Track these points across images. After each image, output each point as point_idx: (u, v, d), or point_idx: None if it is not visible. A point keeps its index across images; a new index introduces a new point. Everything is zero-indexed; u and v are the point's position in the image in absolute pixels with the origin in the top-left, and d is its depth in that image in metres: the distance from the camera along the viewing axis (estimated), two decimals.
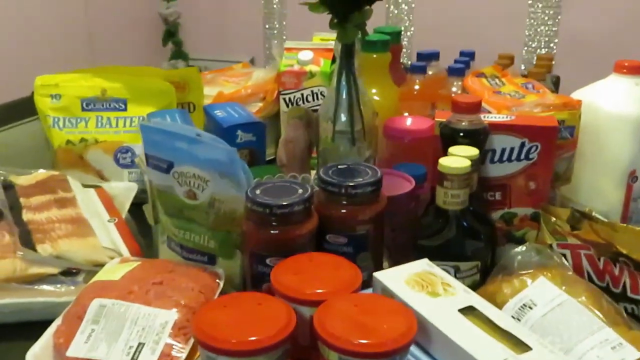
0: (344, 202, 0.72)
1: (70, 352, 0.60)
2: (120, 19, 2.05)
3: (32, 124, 1.37)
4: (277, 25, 2.24)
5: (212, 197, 0.74)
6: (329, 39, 1.34)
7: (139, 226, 0.94)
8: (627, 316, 0.67)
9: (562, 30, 1.90)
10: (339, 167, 0.76)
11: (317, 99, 1.19)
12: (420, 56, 1.21)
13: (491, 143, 0.79)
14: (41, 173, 0.97)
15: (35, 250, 0.77)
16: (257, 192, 0.70)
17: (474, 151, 0.73)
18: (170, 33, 2.41)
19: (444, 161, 0.70)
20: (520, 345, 0.56)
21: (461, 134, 0.76)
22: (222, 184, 0.73)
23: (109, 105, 1.08)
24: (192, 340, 0.62)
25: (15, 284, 0.75)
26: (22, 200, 0.88)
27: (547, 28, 1.89)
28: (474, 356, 0.55)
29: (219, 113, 1.03)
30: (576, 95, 0.95)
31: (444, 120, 0.79)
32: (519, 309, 0.66)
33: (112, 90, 1.08)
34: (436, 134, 0.81)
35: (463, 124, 0.77)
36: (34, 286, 0.75)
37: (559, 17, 1.89)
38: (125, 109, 1.09)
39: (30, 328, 0.71)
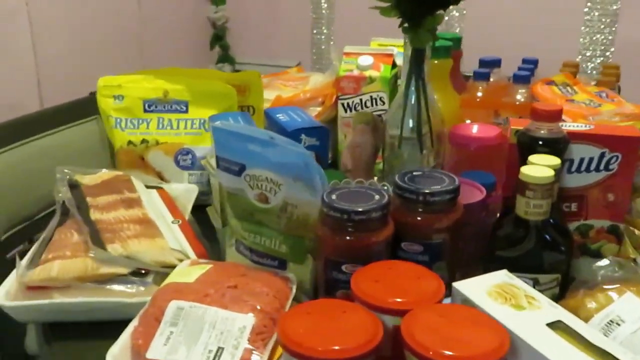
0: (421, 210, 0.70)
1: (150, 354, 0.59)
2: (170, 24, 2.07)
3: (85, 125, 1.38)
4: (324, 31, 2.23)
5: (284, 201, 0.73)
6: (387, 44, 1.33)
7: (201, 228, 0.94)
8: None
9: (618, 39, 1.86)
10: (414, 173, 0.74)
11: (376, 104, 1.17)
12: (483, 63, 1.19)
13: (569, 152, 0.77)
14: (106, 173, 0.97)
15: (105, 249, 0.77)
16: (333, 197, 0.69)
17: (555, 160, 0.71)
18: (218, 37, 2.42)
19: (526, 170, 0.68)
20: None
21: (540, 143, 0.74)
22: (296, 188, 0.72)
23: (171, 107, 1.08)
24: (270, 346, 0.61)
25: (86, 284, 0.75)
26: (88, 199, 0.88)
27: (603, 37, 1.85)
28: None
29: (281, 117, 1.02)
30: None
31: (522, 128, 0.77)
32: (606, 325, 0.64)
33: (173, 92, 1.08)
34: (512, 141, 0.79)
35: (542, 132, 0.75)
36: (105, 286, 0.75)
37: (616, 26, 1.85)
38: (186, 111, 1.09)
39: (101, 328, 0.71)
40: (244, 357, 0.59)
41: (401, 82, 0.96)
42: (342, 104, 1.18)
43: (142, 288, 0.75)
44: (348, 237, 0.67)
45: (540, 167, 0.69)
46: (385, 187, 0.72)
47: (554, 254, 0.71)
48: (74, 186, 0.92)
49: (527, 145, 0.75)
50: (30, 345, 0.80)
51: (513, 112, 1.07)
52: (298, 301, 0.70)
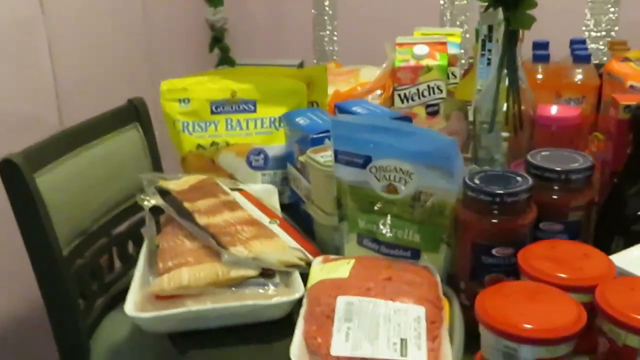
0: (557, 188, 0.71)
1: (334, 352, 0.58)
2: (170, 28, 2.05)
3: (126, 133, 1.35)
4: (328, 28, 2.23)
5: (417, 190, 0.72)
6: (430, 33, 1.33)
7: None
8: None
9: (622, 19, 1.91)
10: (543, 153, 0.74)
11: (434, 93, 1.17)
12: (537, 45, 1.20)
13: None
14: (191, 177, 0.95)
15: (231, 253, 0.75)
16: (477, 181, 0.69)
17: None
18: (217, 39, 2.38)
19: None
20: None
21: None
22: (430, 176, 0.71)
23: (239, 107, 1.06)
24: (445, 332, 0.61)
25: (217, 289, 0.73)
26: (187, 205, 0.86)
27: (607, 17, 1.90)
28: None
29: (358, 109, 1.01)
30: None
31: (634, 103, 0.79)
32: None
33: (241, 91, 1.06)
34: (620, 117, 0.81)
35: None
36: (238, 290, 0.73)
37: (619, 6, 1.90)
38: (254, 110, 1.07)
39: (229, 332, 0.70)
40: (429, 347, 0.58)
41: (480, 68, 0.97)
42: (399, 95, 1.18)
43: (274, 288, 0.74)
44: (495, 220, 0.67)
45: None
46: (520, 172, 0.72)
47: None
48: (164, 192, 0.90)
49: None
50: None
51: (576, 92, 1.09)
52: None
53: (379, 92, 1.21)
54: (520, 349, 0.52)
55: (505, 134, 0.92)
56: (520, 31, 0.94)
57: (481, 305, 0.55)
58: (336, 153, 0.77)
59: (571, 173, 0.70)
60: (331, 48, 2.27)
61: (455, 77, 1.21)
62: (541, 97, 1.10)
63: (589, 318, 0.55)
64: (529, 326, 0.52)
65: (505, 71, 0.89)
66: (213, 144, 1.06)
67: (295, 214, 0.96)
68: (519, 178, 0.69)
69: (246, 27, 2.34)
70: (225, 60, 2.41)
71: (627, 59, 0.98)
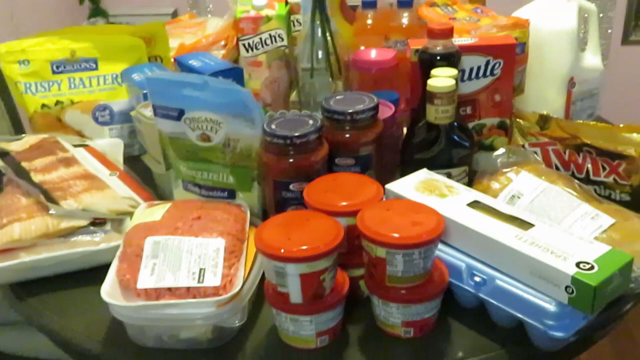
0: (348, 127, 0.81)
1: (140, 284, 0.67)
2: None
3: None
4: None
5: (226, 137, 0.81)
6: None
7: (138, 176, 0.99)
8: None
9: None
10: (337, 97, 0.84)
11: (276, 41, 1.24)
12: None
13: (461, 64, 0.90)
14: (32, 137, 0.99)
15: (60, 206, 0.81)
16: (273, 126, 0.77)
17: (453, 71, 0.83)
18: None
19: (432, 82, 0.80)
20: (525, 225, 0.68)
21: (438, 58, 0.86)
22: (236, 123, 0.79)
23: (80, 65, 1.10)
24: (242, 260, 0.71)
25: (49, 239, 0.79)
26: (24, 164, 0.91)
27: None
28: (491, 237, 0.66)
29: (194, 63, 1.07)
30: (517, 14, 1.07)
31: (420, 47, 0.89)
32: (510, 199, 0.78)
33: (81, 50, 1.10)
34: (412, 60, 0.91)
35: (438, 48, 0.87)
36: (68, 239, 0.80)
37: None
38: (96, 68, 1.11)
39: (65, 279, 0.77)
40: (224, 274, 0.68)
41: (303, 18, 1.04)
42: (244, 44, 1.24)
43: (104, 235, 0.81)
44: (291, 160, 0.77)
45: (443, 78, 0.81)
46: (315, 114, 0.82)
47: (461, 150, 0.84)
48: (3, 154, 0.94)
49: (428, 62, 0.87)
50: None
51: (401, 35, 1.18)
52: (253, 224, 0.79)
53: (222, 42, 1.27)
54: (286, 267, 0.62)
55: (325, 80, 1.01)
56: None
57: (258, 235, 0.64)
58: (154, 107, 0.84)
59: (357, 114, 0.80)
60: None
61: (300, 24, 1.28)
62: (371, 41, 1.19)
63: (357, 237, 0.66)
64: (293, 249, 0.62)
65: (318, 22, 0.98)
66: (57, 102, 1.10)
67: (143, 165, 1.02)
68: (310, 121, 0.79)
69: None
70: (97, 12, 2.38)
71: (434, 4, 1.08)
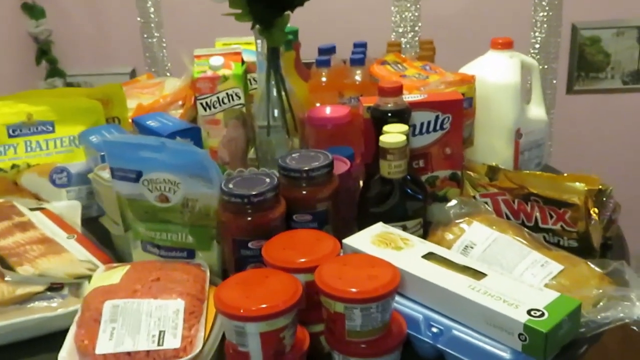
0: (305, 184, 0.82)
1: (99, 350, 0.66)
2: None
3: None
4: (156, 35, 2.27)
5: (185, 197, 0.82)
6: (231, 42, 1.43)
7: (96, 238, 0.98)
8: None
9: (423, 15, 2.12)
10: (293, 155, 0.86)
11: (233, 100, 1.27)
12: (322, 51, 1.33)
13: (412, 119, 0.93)
14: None
15: (16, 272, 0.80)
16: (231, 185, 0.79)
17: (404, 127, 0.86)
18: (43, 52, 2.35)
19: (385, 138, 0.83)
20: (477, 274, 0.70)
21: (390, 114, 0.90)
22: (194, 184, 0.81)
23: (37, 128, 1.10)
24: (203, 321, 0.71)
25: (5, 307, 0.78)
26: None
27: (410, 14, 2.10)
28: (446, 288, 0.68)
29: (152, 123, 1.08)
30: (464, 70, 1.12)
31: (372, 104, 0.92)
32: (463, 250, 0.81)
33: (38, 113, 1.10)
34: (365, 117, 0.94)
35: (389, 105, 0.90)
36: (25, 305, 0.79)
37: (420, 3, 2.10)
38: (53, 131, 1.11)
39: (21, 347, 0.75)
40: (184, 335, 0.68)
41: (259, 77, 1.07)
42: (201, 104, 1.26)
43: (61, 300, 0.80)
44: (249, 218, 0.78)
45: (394, 134, 0.84)
46: (272, 172, 0.83)
47: (415, 203, 0.87)
48: None
49: (379, 118, 0.90)
50: None
51: (355, 92, 1.22)
52: (213, 283, 0.80)
53: (180, 102, 1.29)
54: (245, 326, 0.63)
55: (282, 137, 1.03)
56: None
57: (217, 295, 0.65)
58: (112, 170, 0.84)
59: (312, 171, 0.82)
60: (162, 54, 2.31)
61: (256, 82, 1.31)
62: (326, 97, 1.23)
63: (316, 293, 0.67)
64: (252, 307, 0.62)
65: (273, 82, 1.01)
66: (14, 166, 1.09)
67: (102, 226, 1.02)
68: (267, 179, 0.80)
69: (73, 38, 2.32)
70: (55, 72, 2.38)
71: (385, 62, 1.13)
